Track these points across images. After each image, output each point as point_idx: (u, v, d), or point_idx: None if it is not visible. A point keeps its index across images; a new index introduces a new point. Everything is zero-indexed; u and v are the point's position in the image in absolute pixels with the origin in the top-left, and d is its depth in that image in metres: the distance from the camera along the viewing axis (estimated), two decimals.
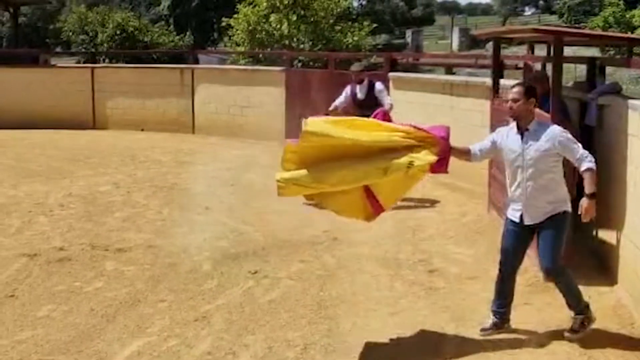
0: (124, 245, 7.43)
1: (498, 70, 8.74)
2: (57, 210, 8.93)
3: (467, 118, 10.01)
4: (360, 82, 9.40)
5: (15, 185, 10.35)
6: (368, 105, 9.16)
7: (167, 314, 5.63)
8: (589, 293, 5.88)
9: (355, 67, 9.67)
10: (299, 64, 19.62)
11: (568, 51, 7.01)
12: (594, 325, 5.19)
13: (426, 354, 4.94)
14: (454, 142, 5.33)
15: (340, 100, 9.55)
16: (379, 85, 9.41)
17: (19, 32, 23.51)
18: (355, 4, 41.02)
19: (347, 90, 9.53)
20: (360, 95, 9.39)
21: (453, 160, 5.31)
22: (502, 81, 8.72)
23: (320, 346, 5.05)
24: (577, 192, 5.67)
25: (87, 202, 9.33)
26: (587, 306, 5.18)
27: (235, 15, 21.60)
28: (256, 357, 4.90)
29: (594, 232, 6.58)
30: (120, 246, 7.41)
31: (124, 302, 5.90)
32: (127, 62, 18.77)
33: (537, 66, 10.07)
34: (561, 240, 5.08)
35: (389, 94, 9.56)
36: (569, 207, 5.12)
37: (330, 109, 9.40)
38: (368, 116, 8.98)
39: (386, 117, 8.85)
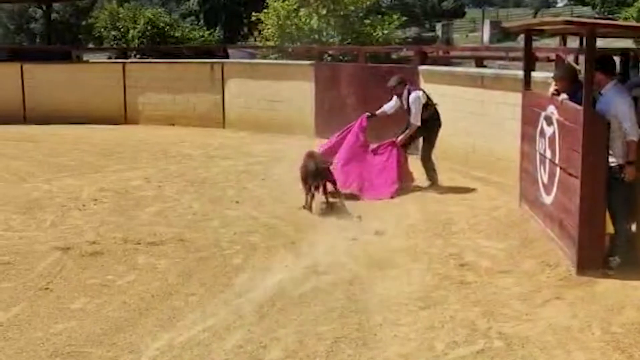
0: (155, 239, 7.49)
1: (529, 62, 8.65)
2: (90, 204, 9.03)
3: (498, 111, 9.93)
4: (400, 95, 9.62)
5: (49, 180, 10.47)
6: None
7: (199, 308, 5.67)
8: (623, 287, 5.83)
9: (392, 82, 9.71)
10: (329, 58, 19.59)
11: (601, 43, 6.91)
12: (628, 321, 5.14)
13: (456, 348, 4.92)
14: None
15: (390, 105, 9.79)
16: (411, 97, 9.56)
17: (51, 29, 23.77)
18: None
19: (395, 98, 9.74)
20: (405, 104, 9.63)
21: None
22: (533, 74, 8.64)
23: (351, 340, 5.05)
24: None
25: (119, 197, 9.42)
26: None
27: (265, 10, 21.63)
28: (287, 350, 4.92)
29: (630, 226, 6.49)
30: (152, 240, 7.46)
31: (156, 295, 5.95)
32: (157, 58, 18.89)
33: (570, 58, 9.98)
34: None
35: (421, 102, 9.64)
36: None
37: (378, 112, 9.76)
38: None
39: (395, 147, 9.50)
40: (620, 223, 6.25)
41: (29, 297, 5.90)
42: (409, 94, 9.56)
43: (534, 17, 46.21)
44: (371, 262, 6.69)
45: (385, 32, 21.73)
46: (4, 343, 5.05)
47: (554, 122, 7.07)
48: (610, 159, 6.21)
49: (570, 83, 6.96)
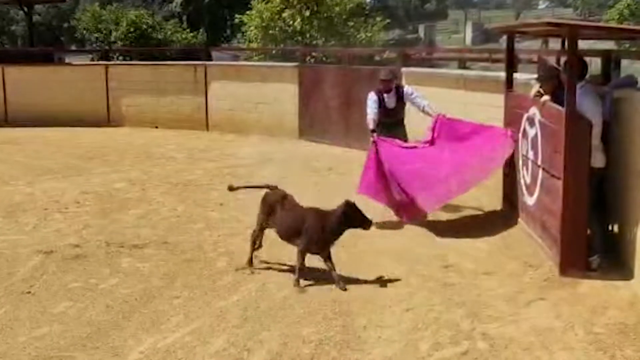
0: (139, 242, 7.47)
1: (512, 64, 8.69)
2: (72, 207, 8.98)
3: (480, 113, 9.96)
4: (389, 91, 8.66)
5: (32, 183, 10.41)
6: (396, 112, 8.68)
7: (182, 310, 5.66)
8: (606, 287, 5.87)
9: (384, 75, 8.76)
10: (312, 60, 19.59)
11: (583, 45, 6.94)
12: (611, 321, 5.18)
13: (440, 350, 4.94)
14: None
15: (373, 111, 8.51)
16: (408, 89, 8.82)
17: (33, 31, 23.57)
18: None
19: (374, 98, 8.59)
20: (390, 104, 8.65)
21: None
22: (515, 75, 8.68)
23: (335, 342, 5.05)
24: None
25: (102, 199, 9.38)
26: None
27: (249, 12, 21.60)
28: (271, 352, 4.91)
29: (610, 227, 6.54)
30: (135, 243, 7.44)
31: (139, 298, 5.93)
32: (140, 60, 18.83)
33: (551, 60, 10.03)
34: None
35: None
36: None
37: (372, 127, 8.41)
38: (395, 124, 8.60)
39: (444, 120, 8.51)
40: (592, 224, 6.31)
41: (10, 301, 5.85)
42: (397, 90, 8.70)
43: (516, 18, 46.49)
44: (355, 264, 6.69)
45: (369, 34, 21.77)
46: None
47: (537, 123, 7.10)
48: None
49: (552, 85, 6.99)
